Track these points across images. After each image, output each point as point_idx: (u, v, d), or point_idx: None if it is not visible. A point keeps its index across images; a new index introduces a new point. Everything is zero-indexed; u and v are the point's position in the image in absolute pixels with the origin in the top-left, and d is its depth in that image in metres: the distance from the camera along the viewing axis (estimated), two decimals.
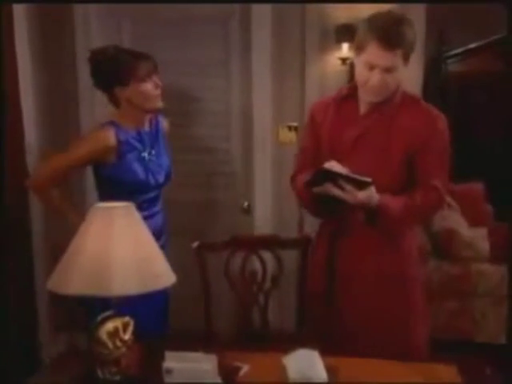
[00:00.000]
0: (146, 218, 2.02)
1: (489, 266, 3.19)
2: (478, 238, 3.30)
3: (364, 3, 2.43)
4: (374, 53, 1.63)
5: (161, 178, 2.06)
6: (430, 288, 3.14)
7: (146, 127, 2.07)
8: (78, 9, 2.70)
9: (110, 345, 1.39)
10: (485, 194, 4.02)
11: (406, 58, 1.67)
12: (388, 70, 1.64)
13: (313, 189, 1.70)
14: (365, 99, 1.76)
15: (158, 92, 2.00)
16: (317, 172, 1.65)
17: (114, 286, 1.31)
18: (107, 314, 1.41)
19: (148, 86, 1.97)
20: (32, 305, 2.66)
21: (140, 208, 2.00)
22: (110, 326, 1.40)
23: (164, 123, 2.19)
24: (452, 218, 3.41)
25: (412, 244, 1.84)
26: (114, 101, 2.01)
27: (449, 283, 3.16)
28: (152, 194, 2.07)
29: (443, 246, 3.25)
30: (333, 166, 1.65)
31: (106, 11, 2.71)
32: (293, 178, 1.95)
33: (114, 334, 1.39)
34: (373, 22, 1.65)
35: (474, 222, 3.49)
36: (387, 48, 1.61)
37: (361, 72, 1.70)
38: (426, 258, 3.17)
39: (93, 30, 2.71)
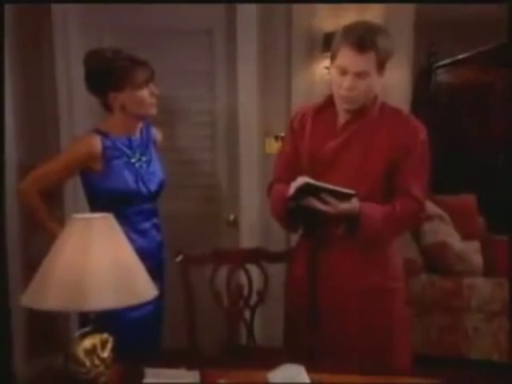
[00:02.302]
0: (142, 232, 2.03)
1: (482, 279, 3.20)
2: (471, 251, 3.32)
3: (357, 3, 2.47)
4: (346, 56, 1.68)
5: (153, 187, 2.06)
6: (421, 303, 3.17)
7: (138, 134, 2.08)
8: (57, 19, 2.69)
9: (88, 363, 1.37)
10: (477, 207, 4.04)
11: (380, 67, 1.71)
12: (360, 75, 1.68)
13: (294, 202, 1.70)
14: (341, 107, 1.80)
15: (154, 100, 2.02)
16: (300, 186, 1.66)
17: (91, 300, 1.29)
18: (85, 330, 1.39)
19: (144, 94, 1.98)
20: (6, 327, 2.59)
21: (135, 221, 2.01)
22: (87, 343, 1.37)
23: (157, 134, 2.21)
24: (444, 231, 3.43)
25: (395, 256, 1.87)
26: (107, 106, 2.02)
27: (441, 298, 3.17)
28: (146, 206, 2.06)
29: (435, 259, 3.26)
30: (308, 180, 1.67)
31: (86, 21, 2.71)
32: (270, 187, 1.97)
33: (91, 351, 1.37)
34: (347, 28, 1.71)
35: (466, 234, 3.51)
36: (358, 51, 1.65)
37: (334, 78, 1.75)
38: (416, 272, 3.18)
39: (73, 41, 2.70)
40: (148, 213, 2.07)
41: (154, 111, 2.04)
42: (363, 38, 1.65)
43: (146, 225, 2.07)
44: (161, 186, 2.11)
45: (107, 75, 1.95)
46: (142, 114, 2.02)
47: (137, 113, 2.01)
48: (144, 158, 2.06)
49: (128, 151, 2.02)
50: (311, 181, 1.65)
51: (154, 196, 2.09)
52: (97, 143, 1.96)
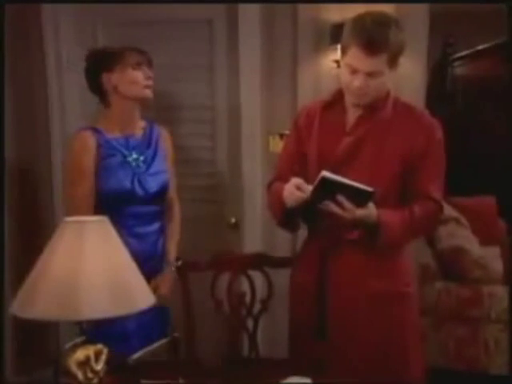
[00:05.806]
0: (140, 237, 2.04)
1: (502, 288, 3.19)
2: (490, 257, 3.32)
3: (364, 3, 2.48)
4: (356, 57, 1.68)
5: (152, 188, 2.07)
6: (436, 312, 3.16)
7: (138, 135, 2.11)
8: (48, 15, 2.73)
9: (81, 376, 1.38)
10: (497, 209, 4.03)
11: (392, 63, 1.72)
12: (370, 75, 1.70)
13: (310, 203, 1.71)
14: (351, 102, 1.81)
15: (148, 82, 2.08)
16: (317, 183, 1.66)
17: (84, 308, 1.30)
18: (78, 340, 1.41)
19: (135, 73, 2.05)
20: None
21: (132, 225, 2.02)
22: (80, 354, 1.38)
23: (163, 133, 2.24)
24: (461, 235, 3.42)
25: (405, 258, 1.88)
26: (103, 98, 2.09)
27: (458, 307, 3.16)
28: (142, 209, 2.07)
29: (451, 266, 3.26)
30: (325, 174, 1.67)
31: (78, 15, 2.73)
32: (270, 184, 1.98)
33: (84, 363, 1.38)
34: (357, 23, 1.70)
35: (485, 239, 3.51)
36: (369, 53, 1.66)
37: (344, 74, 1.75)
38: (431, 279, 3.17)
39: (65, 38, 2.75)
40: (144, 216, 2.08)
41: (149, 94, 2.09)
42: (374, 39, 1.64)
43: (147, 229, 2.08)
44: (163, 187, 2.12)
45: (100, 58, 2.07)
46: (135, 95, 2.07)
47: (130, 94, 2.06)
48: (141, 158, 2.08)
49: (124, 150, 2.05)
50: (328, 175, 1.64)
51: (152, 198, 2.09)
52: (90, 138, 2.01)
